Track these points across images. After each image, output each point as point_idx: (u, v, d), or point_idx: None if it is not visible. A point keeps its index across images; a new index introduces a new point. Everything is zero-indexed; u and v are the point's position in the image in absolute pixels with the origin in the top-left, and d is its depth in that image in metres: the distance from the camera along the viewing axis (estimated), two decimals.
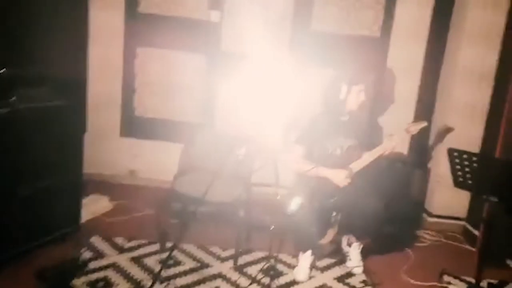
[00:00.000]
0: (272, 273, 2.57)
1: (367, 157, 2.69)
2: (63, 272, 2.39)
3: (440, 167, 3.44)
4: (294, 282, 2.63)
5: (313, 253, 2.72)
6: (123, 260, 2.63)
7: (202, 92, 3.69)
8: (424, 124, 2.79)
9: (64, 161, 2.66)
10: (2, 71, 2.38)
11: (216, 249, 2.85)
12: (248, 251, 2.84)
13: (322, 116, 2.78)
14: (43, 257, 2.51)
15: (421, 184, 3.62)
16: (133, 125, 3.76)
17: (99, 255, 2.65)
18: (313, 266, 2.75)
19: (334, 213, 2.73)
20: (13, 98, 2.35)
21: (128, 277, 2.49)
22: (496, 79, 3.36)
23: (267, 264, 2.63)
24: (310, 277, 2.68)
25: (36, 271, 2.36)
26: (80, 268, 2.49)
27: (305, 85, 3.43)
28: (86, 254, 2.64)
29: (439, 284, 2.72)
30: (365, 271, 2.78)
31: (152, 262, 2.65)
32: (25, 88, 2.44)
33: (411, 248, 3.14)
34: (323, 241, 2.75)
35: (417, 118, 3.54)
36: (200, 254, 2.79)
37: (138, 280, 2.48)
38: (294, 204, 2.59)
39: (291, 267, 2.75)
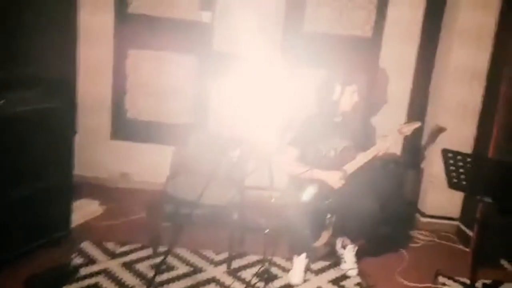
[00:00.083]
0: (266, 276, 2.55)
1: (361, 158, 2.68)
2: (53, 279, 2.34)
3: (433, 167, 3.45)
4: (288, 286, 2.61)
5: (307, 256, 2.70)
6: (114, 266, 2.59)
7: (194, 94, 3.65)
8: (417, 124, 2.79)
9: (54, 164, 2.62)
10: None
11: (209, 253, 2.82)
12: (242, 255, 2.81)
13: (316, 117, 2.76)
14: (32, 263, 2.45)
15: (414, 184, 3.62)
16: (124, 127, 3.71)
17: (90, 260, 2.60)
18: (307, 269, 2.73)
19: (329, 215, 2.71)
20: (2, 101, 2.30)
21: (120, 283, 2.45)
22: (488, 79, 3.37)
23: (261, 268, 2.60)
24: (305, 280, 2.66)
25: (25, 279, 2.31)
26: (70, 274, 2.44)
27: (298, 86, 3.41)
28: (77, 260, 2.59)
29: (434, 285, 2.71)
30: (360, 273, 2.77)
31: (144, 267, 2.61)
32: (14, 91, 2.39)
33: (405, 249, 3.13)
34: (317, 243, 2.74)
35: (410, 118, 3.54)
36: (193, 259, 2.75)
37: (130, 286, 2.44)
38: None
39: (286, 270, 2.72)
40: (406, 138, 3.09)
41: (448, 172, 2.32)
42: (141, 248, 2.77)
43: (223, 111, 3.45)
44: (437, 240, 3.36)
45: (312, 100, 2.79)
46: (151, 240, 2.77)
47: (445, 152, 2.29)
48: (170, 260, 2.66)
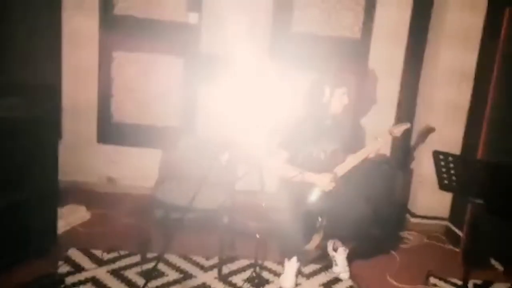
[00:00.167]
0: (258, 281, 2.52)
1: (352, 160, 2.66)
2: None
3: (423, 167, 3.45)
4: None
5: (298, 259, 2.67)
6: (102, 274, 2.53)
7: (181, 96, 3.60)
8: (407, 126, 2.79)
9: (39, 171, 2.54)
10: None
11: (199, 259, 2.77)
12: (232, 259, 2.77)
13: (306, 120, 2.73)
14: (17, 273, 2.37)
15: (404, 185, 3.63)
16: (111, 131, 3.64)
17: (77, 269, 2.54)
18: (299, 273, 2.70)
19: (320, 218, 2.69)
20: None
21: None
22: (476, 80, 3.39)
23: (253, 273, 2.57)
24: (297, 285, 2.63)
25: None
26: (57, 283, 2.37)
27: (287, 88, 3.38)
28: (63, 268, 2.52)
29: (426, 287, 2.71)
30: (352, 276, 2.75)
31: (132, 274, 2.55)
32: None
33: (396, 250, 3.13)
34: (308, 246, 2.71)
35: (399, 119, 3.54)
36: (183, 264, 2.70)
37: None
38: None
39: (277, 274, 2.69)
40: (395, 139, 3.09)
41: (439, 174, 2.31)
42: (129, 255, 2.71)
43: (212, 113, 3.40)
44: (427, 241, 3.37)
45: (301, 102, 2.76)
46: (139, 246, 2.71)
47: (436, 153, 2.28)
48: (160, 266, 2.61)
